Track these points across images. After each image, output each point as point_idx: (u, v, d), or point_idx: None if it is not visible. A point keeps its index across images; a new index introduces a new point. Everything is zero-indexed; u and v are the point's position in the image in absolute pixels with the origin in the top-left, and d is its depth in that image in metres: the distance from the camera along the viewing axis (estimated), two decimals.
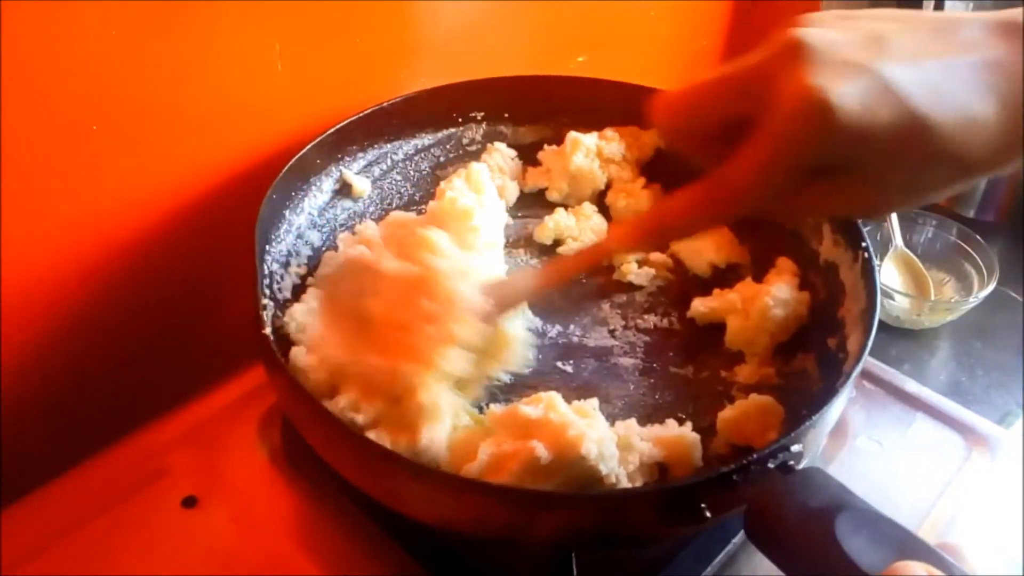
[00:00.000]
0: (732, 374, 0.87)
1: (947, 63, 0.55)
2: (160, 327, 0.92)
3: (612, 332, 0.92)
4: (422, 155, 1.03)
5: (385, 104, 0.96)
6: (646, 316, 0.94)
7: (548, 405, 0.73)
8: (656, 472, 0.75)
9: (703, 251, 0.97)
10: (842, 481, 0.63)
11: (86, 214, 0.81)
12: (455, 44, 1.04)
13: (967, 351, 1.14)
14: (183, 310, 0.93)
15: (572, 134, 1.03)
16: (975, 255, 1.18)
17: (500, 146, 1.05)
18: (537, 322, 0.91)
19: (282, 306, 0.85)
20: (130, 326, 0.89)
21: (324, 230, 0.94)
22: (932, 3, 1.36)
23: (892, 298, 1.12)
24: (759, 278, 0.92)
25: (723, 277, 0.97)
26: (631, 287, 0.97)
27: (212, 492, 0.85)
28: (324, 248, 0.93)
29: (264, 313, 0.77)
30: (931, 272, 1.18)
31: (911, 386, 0.99)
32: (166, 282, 0.90)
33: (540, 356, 0.89)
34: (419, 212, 0.99)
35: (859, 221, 0.86)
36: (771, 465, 0.65)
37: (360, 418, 0.75)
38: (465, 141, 1.05)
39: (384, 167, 1.00)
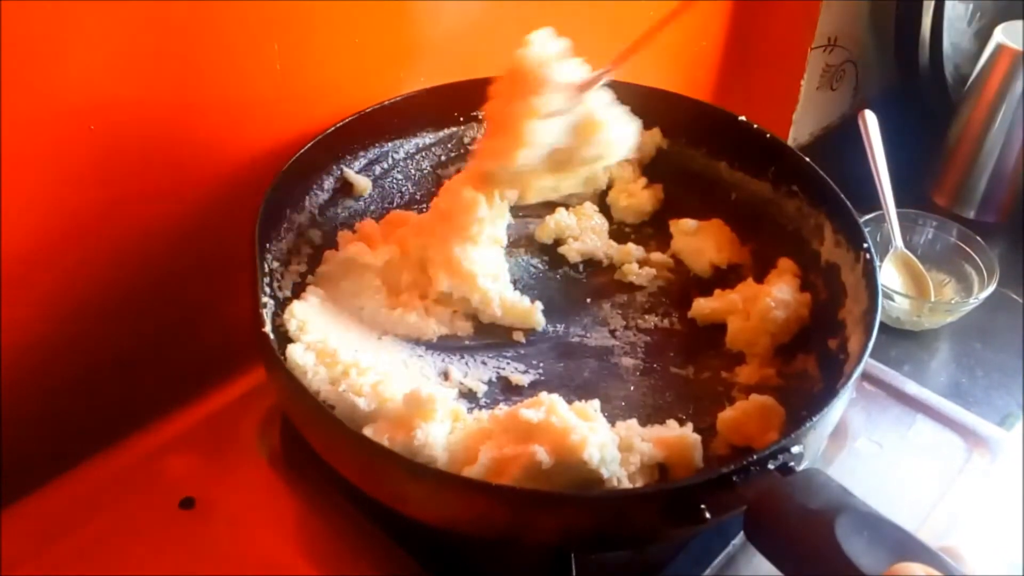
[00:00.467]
0: (733, 375, 0.87)
1: None
2: (159, 328, 0.92)
3: (613, 332, 0.92)
4: (423, 154, 1.03)
5: (386, 103, 0.96)
6: (647, 316, 0.94)
7: (549, 408, 0.73)
8: (656, 473, 0.75)
9: (704, 251, 0.98)
10: (842, 482, 0.63)
11: (85, 214, 0.81)
12: (454, 44, 1.03)
13: (967, 352, 1.14)
14: (182, 310, 0.93)
15: None
16: (975, 256, 1.18)
17: None
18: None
19: (282, 304, 0.85)
20: (129, 327, 0.89)
21: (325, 228, 0.94)
22: (932, 4, 1.36)
23: (892, 299, 1.12)
24: (760, 279, 0.93)
25: (724, 278, 0.97)
26: (632, 287, 0.97)
27: (210, 494, 0.85)
28: (324, 246, 0.93)
29: (264, 311, 0.77)
30: (931, 273, 1.18)
31: (911, 387, 0.99)
32: (165, 282, 0.90)
33: (540, 356, 0.89)
34: (420, 211, 0.99)
35: (859, 221, 0.86)
36: (771, 466, 0.65)
37: (362, 402, 0.75)
38: (466, 140, 1.04)
39: (385, 166, 1.00)
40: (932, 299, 1.16)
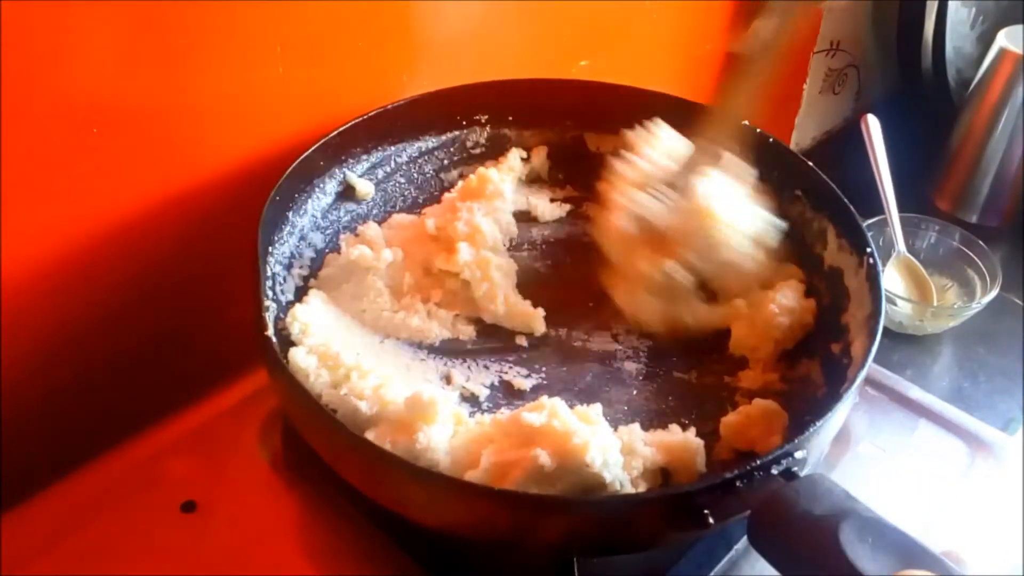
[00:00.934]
0: (736, 379, 0.87)
1: None
2: (161, 331, 0.91)
3: (615, 336, 0.92)
4: (426, 158, 1.02)
5: (389, 106, 0.96)
6: None
7: (551, 412, 0.72)
8: (659, 478, 0.75)
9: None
10: (845, 488, 0.63)
11: (87, 217, 0.81)
12: (457, 47, 1.03)
13: (970, 357, 1.14)
14: (184, 313, 0.93)
15: None
16: (978, 261, 1.18)
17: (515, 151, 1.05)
18: None
19: (284, 308, 0.85)
20: (130, 329, 0.89)
21: (327, 232, 0.94)
22: (935, 5, 1.36)
23: (895, 303, 1.12)
24: (765, 284, 0.92)
25: None
26: None
27: (212, 497, 0.85)
28: (327, 250, 0.93)
29: (266, 314, 0.77)
30: (934, 278, 1.18)
31: (914, 392, 0.99)
32: (167, 285, 0.90)
33: (543, 360, 0.89)
34: (422, 215, 0.99)
35: (863, 225, 0.86)
36: (775, 471, 0.65)
37: (364, 405, 0.75)
38: (469, 144, 1.04)
39: (387, 169, 1.00)
40: (935, 304, 1.16)
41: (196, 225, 0.89)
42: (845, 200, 0.89)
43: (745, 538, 0.67)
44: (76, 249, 0.82)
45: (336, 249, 0.93)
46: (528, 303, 0.91)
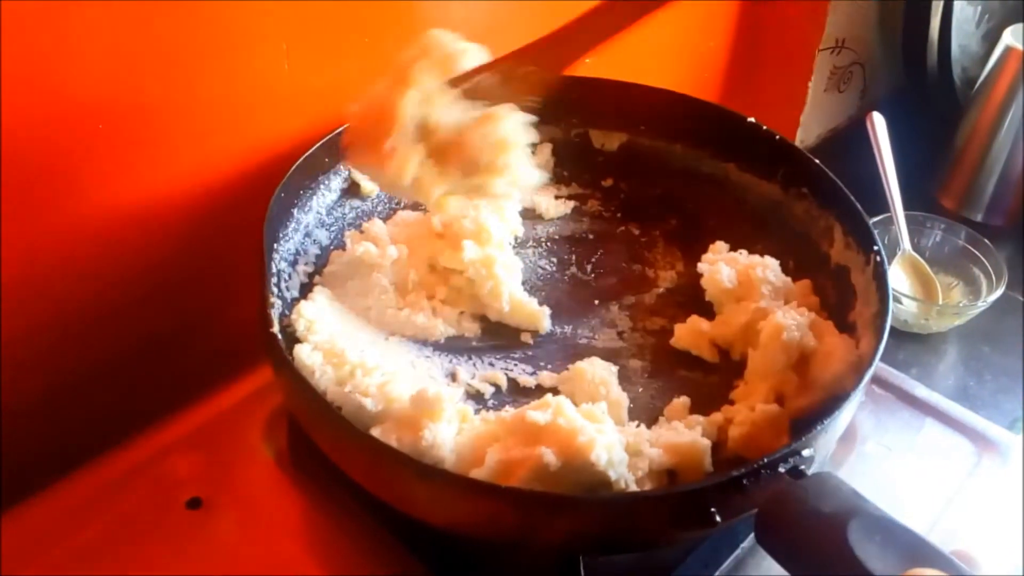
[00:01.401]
0: (742, 378, 0.86)
1: None
2: (165, 327, 0.92)
3: (621, 334, 0.92)
4: None
5: None
6: (655, 318, 0.94)
7: (556, 410, 0.72)
8: (665, 478, 0.75)
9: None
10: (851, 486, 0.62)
11: (92, 213, 0.81)
12: None
13: (975, 356, 1.14)
14: (189, 310, 0.93)
15: None
16: (983, 259, 1.18)
17: None
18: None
19: (290, 305, 0.85)
20: (135, 326, 0.89)
21: (332, 229, 0.94)
22: (941, 3, 1.36)
23: (900, 302, 1.12)
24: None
25: None
26: (638, 288, 0.97)
27: (217, 494, 0.85)
28: (332, 247, 0.93)
29: (271, 311, 0.77)
30: (939, 276, 1.18)
31: (920, 391, 0.99)
32: (172, 282, 0.90)
33: (548, 358, 0.89)
34: (425, 212, 0.99)
35: (870, 222, 0.86)
36: (782, 469, 0.65)
37: (369, 403, 0.75)
38: None
39: None
40: (940, 302, 1.15)
41: (201, 222, 0.89)
42: (852, 198, 0.89)
43: (752, 536, 0.67)
44: (81, 245, 0.82)
45: (341, 246, 0.93)
46: (533, 300, 0.91)
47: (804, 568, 0.61)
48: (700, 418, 0.80)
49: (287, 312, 0.84)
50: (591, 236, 1.03)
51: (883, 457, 0.92)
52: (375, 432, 0.73)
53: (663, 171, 1.05)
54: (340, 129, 0.91)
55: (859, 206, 0.88)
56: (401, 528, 0.80)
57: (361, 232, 0.94)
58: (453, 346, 0.89)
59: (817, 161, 0.94)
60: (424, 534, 0.79)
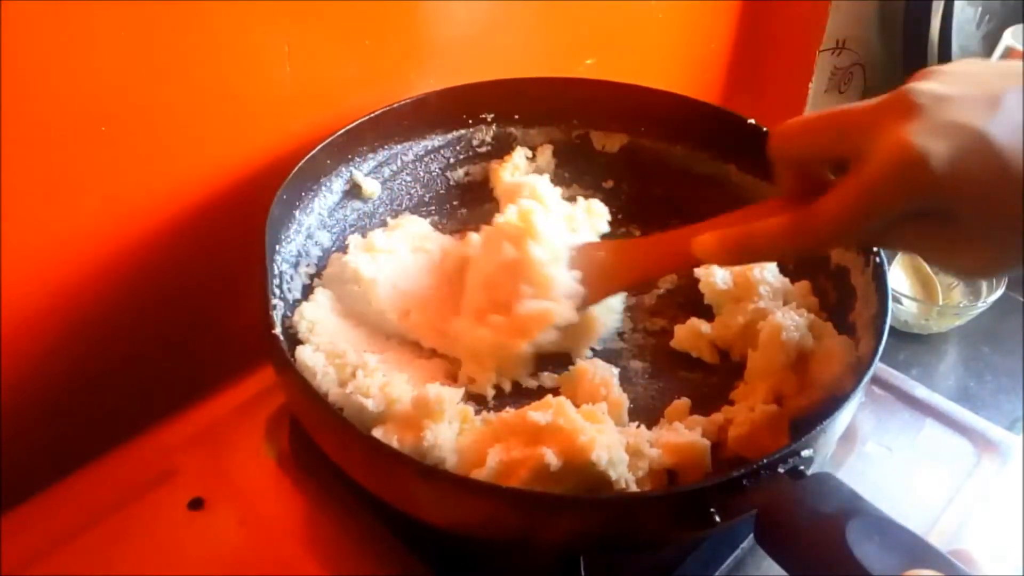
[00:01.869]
0: (742, 379, 0.86)
1: None
2: (168, 328, 0.92)
3: (621, 335, 0.92)
4: (432, 156, 1.02)
5: (395, 105, 0.96)
6: (655, 319, 0.94)
7: (557, 411, 0.73)
8: (665, 479, 0.75)
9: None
10: (850, 487, 0.63)
11: (94, 214, 0.81)
12: (464, 46, 1.04)
13: (975, 356, 1.14)
14: (191, 311, 0.93)
15: None
16: None
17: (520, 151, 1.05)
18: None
19: (292, 306, 0.85)
20: (138, 327, 0.89)
21: (334, 231, 0.94)
22: (942, 4, 1.36)
23: (900, 302, 1.12)
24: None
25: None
26: (639, 289, 0.97)
27: (219, 494, 0.85)
28: (334, 248, 0.93)
29: (273, 313, 0.77)
30: (939, 276, 1.18)
31: (920, 391, 0.99)
32: (174, 283, 0.90)
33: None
34: (428, 213, 1.00)
35: None
36: (781, 470, 0.65)
37: (370, 403, 0.75)
38: (475, 143, 1.04)
39: (394, 168, 1.00)
40: (940, 302, 1.16)
41: (203, 224, 0.89)
42: None
43: (751, 537, 0.67)
44: (82, 246, 0.82)
45: (343, 248, 0.93)
46: None
47: (803, 568, 0.61)
48: (700, 418, 0.81)
49: (289, 313, 0.84)
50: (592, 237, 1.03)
51: (883, 457, 0.92)
52: (376, 433, 0.73)
53: (664, 172, 1.05)
54: (343, 130, 0.92)
55: None
56: (403, 529, 0.80)
57: (363, 237, 0.94)
58: None
59: None
60: (425, 535, 0.79)
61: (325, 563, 0.80)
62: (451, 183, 1.04)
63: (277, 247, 0.86)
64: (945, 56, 1.40)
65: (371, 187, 0.97)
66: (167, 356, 0.92)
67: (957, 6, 1.36)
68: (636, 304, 0.96)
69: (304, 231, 0.91)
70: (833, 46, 1.36)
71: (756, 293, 0.89)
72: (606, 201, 1.04)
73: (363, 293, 0.88)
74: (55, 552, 0.80)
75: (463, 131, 1.04)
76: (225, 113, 0.86)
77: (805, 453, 0.66)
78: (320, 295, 0.87)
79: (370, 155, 0.98)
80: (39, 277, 0.80)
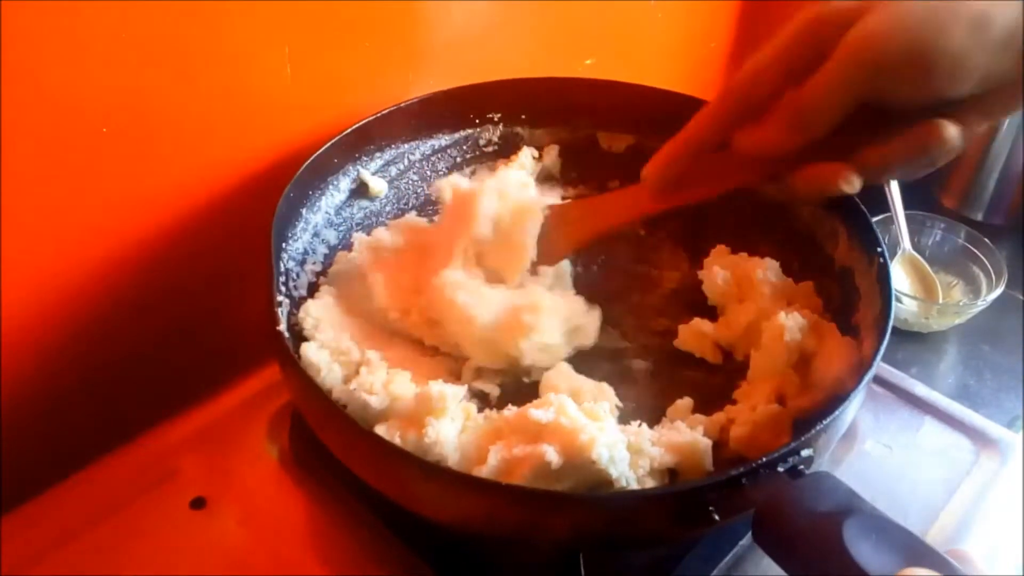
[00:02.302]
0: (745, 379, 0.86)
1: None
2: (172, 327, 0.92)
3: (624, 334, 0.92)
4: (439, 156, 1.03)
5: (403, 104, 0.96)
6: (659, 319, 0.94)
7: (559, 409, 0.73)
8: (667, 477, 0.75)
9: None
10: (850, 485, 0.63)
11: (95, 214, 0.81)
12: (462, 47, 1.04)
13: (975, 354, 1.14)
14: (195, 311, 0.93)
15: None
16: (983, 258, 1.18)
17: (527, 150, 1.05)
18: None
19: (297, 304, 0.86)
20: (139, 327, 0.90)
21: (340, 229, 0.95)
22: None
23: (900, 301, 1.12)
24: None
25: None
26: (643, 289, 0.97)
27: (221, 493, 0.86)
28: (340, 247, 0.94)
29: (279, 310, 0.77)
30: (939, 275, 1.19)
31: (920, 390, 0.99)
32: (177, 283, 0.90)
33: None
34: (435, 212, 1.00)
35: (874, 224, 0.86)
36: (780, 469, 0.65)
37: (374, 400, 0.75)
38: (482, 142, 1.04)
39: (401, 167, 1.00)
40: (940, 301, 1.16)
41: (208, 223, 0.89)
42: (857, 200, 0.88)
43: (750, 535, 0.67)
44: (86, 246, 0.82)
45: (349, 246, 0.93)
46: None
47: (800, 567, 0.61)
48: (702, 418, 0.81)
49: (295, 311, 0.84)
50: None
51: (883, 456, 0.92)
52: (379, 429, 0.73)
53: None
54: (351, 129, 0.92)
55: (863, 208, 0.88)
56: (404, 527, 0.81)
57: (368, 235, 0.95)
58: None
59: None
60: (426, 533, 0.80)
61: (326, 562, 0.81)
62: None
63: (284, 245, 0.86)
64: None
65: (378, 186, 0.98)
66: (168, 356, 0.93)
67: None
68: (641, 303, 0.96)
69: (311, 229, 0.91)
70: None
71: (759, 294, 0.90)
72: None
73: (368, 291, 0.88)
74: (56, 552, 0.80)
75: (470, 131, 1.04)
76: (226, 113, 0.86)
77: (805, 453, 0.66)
78: (325, 293, 0.88)
79: (377, 154, 0.98)
80: (40, 277, 0.80)
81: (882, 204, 1.18)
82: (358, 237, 0.94)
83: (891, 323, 0.77)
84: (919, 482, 0.90)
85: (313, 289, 0.89)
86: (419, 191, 1.03)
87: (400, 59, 0.98)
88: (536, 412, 0.73)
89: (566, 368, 0.86)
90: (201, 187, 0.88)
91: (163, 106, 0.80)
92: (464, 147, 1.04)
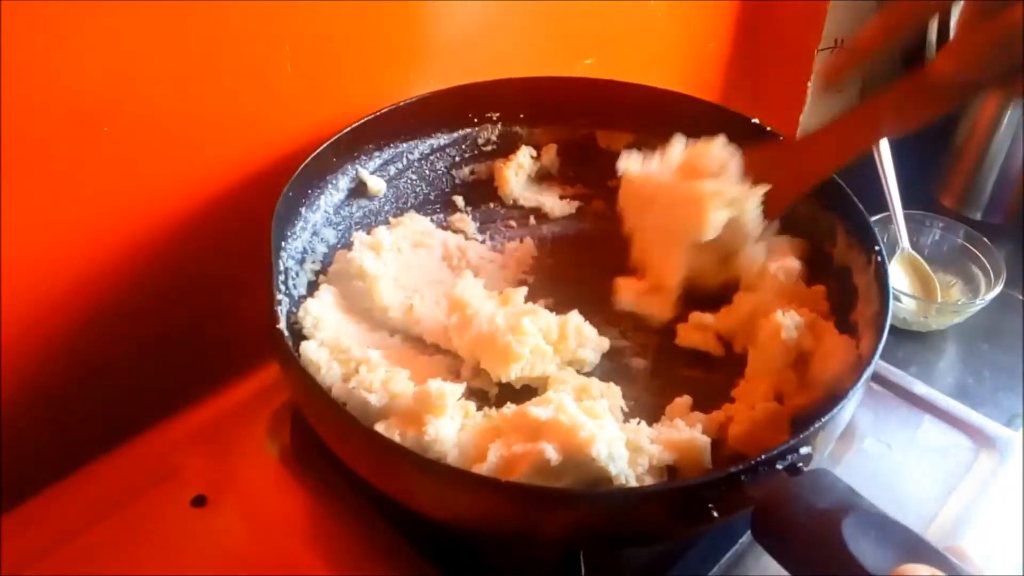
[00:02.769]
0: (744, 377, 0.87)
1: None
2: (172, 326, 0.92)
3: (623, 333, 0.92)
4: (437, 155, 1.03)
5: (402, 103, 0.96)
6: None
7: (558, 406, 0.73)
8: (665, 475, 0.76)
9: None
10: (849, 483, 0.63)
11: (95, 214, 0.81)
12: (462, 46, 1.04)
13: (974, 353, 1.15)
14: (195, 309, 0.93)
15: None
16: (982, 257, 1.18)
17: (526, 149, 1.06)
18: None
19: (297, 302, 0.86)
20: (141, 325, 0.90)
21: (339, 228, 0.95)
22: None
23: (899, 300, 1.12)
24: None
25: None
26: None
27: (222, 491, 0.86)
28: (339, 246, 0.94)
29: (279, 309, 0.77)
30: (938, 274, 1.19)
31: (919, 388, 0.99)
32: (179, 281, 0.90)
33: None
34: (433, 211, 1.00)
35: (871, 223, 0.86)
36: (779, 466, 0.65)
37: (373, 398, 0.76)
38: (480, 141, 1.05)
39: (400, 166, 1.01)
40: (939, 300, 1.16)
41: (208, 221, 0.89)
42: (854, 198, 0.89)
43: (749, 532, 0.67)
44: (87, 245, 0.82)
45: (348, 245, 0.93)
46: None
47: (799, 564, 0.62)
48: (701, 415, 0.81)
49: (294, 309, 0.85)
50: (596, 236, 1.04)
51: (882, 454, 0.92)
52: (379, 427, 0.73)
53: None
54: (349, 128, 0.92)
55: (861, 206, 0.88)
56: (405, 525, 0.81)
57: (368, 234, 0.95)
58: None
59: None
60: (429, 531, 0.80)
61: (327, 560, 0.81)
62: (456, 181, 1.05)
63: (283, 243, 0.86)
64: None
65: (377, 185, 0.98)
66: (168, 354, 0.92)
67: (954, 4, 1.36)
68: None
69: (310, 228, 0.91)
70: (831, 45, 1.36)
71: (767, 285, 0.90)
72: (610, 200, 1.04)
73: (367, 289, 0.88)
74: (55, 551, 0.80)
75: (469, 130, 1.04)
76: (226, 112, 0.86)
77: (804, 450, 0.67)
78: (325, 291, 0.88)
79: (376, 153, 0.98)
80: (40, 276, 0.80)
81: (881, 203, 1.18)
82: (357, 236, 0.94)
83: (889, 321, 0.77)
84: (918, 480, 0.90)
85: (312, 288, 0.89)
86: (418, 190, 1.03)
87: (399, 58, 0.98)
88: (535, 409, 0.73)
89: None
90: (201, 186, 0.88)
91: (163, 105, 0.80)
92: (463, 146, 1.05)
